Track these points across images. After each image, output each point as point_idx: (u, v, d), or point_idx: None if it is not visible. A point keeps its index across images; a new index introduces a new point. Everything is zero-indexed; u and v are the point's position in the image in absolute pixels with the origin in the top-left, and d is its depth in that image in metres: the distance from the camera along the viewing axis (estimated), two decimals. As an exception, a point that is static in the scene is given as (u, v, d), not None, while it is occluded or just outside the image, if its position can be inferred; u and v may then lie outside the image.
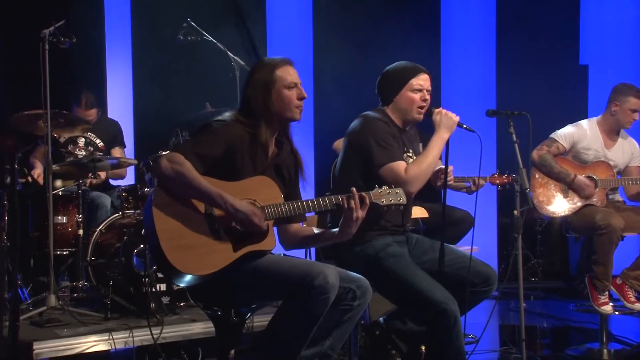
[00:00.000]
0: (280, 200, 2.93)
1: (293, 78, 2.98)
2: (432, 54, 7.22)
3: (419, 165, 3.31)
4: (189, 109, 5.80)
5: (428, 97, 3.46)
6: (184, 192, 2.74)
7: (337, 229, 2.96)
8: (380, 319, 3.57)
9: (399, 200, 3.00)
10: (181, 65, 6.41)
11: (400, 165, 3.30)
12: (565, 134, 4.83)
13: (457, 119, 3.42)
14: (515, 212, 3.65)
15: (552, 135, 4.86)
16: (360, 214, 2.89)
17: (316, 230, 3.11)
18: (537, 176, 4.80)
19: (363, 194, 2.91)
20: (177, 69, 6.43)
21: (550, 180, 4.76)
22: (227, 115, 2.98)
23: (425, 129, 3.96)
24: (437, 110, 3.45)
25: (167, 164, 2.72)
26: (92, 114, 5.43)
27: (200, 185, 2.73)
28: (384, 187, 3.00)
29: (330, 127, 6.32)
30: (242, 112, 2.98)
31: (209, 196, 2.74)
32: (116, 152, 5.65)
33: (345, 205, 2.88)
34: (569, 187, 4.73)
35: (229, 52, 5.47)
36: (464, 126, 3.45)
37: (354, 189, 2.90)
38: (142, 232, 4.50)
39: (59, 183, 5.01)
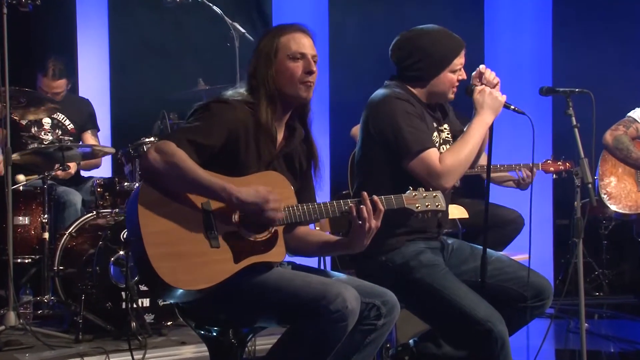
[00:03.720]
0: (293, 201, 2.93)
1: (299, 47, 2.96)
2: (474, 19, 7.18)
3: (456, 155, 3.29)
4: (178, 86, 5.81)
5: (465, 75, 3.46)
6: (179, 187, 2.75)
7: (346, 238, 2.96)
8: (411, 341, 3.56)
9: (437, 207, 2.99)
10: (168, 33, 6.42)
11: (432, 154, 3.28)
12: None
13: (503, 98, 3.40)
14: (575, 204, 3.61)
15: (631, 114, 4.82)
16: (374, 223, 2.87)
17: (325, 236, 3.10)
18: (607, 162, 4.77)
19: (375, 198, 2.88)
20: (164, 38, 6.43)
21: (624, 168, 4.73)
22: (229, 93, 2.98)
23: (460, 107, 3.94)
24: (479, 88, 3.42)
25: (156, 155, 2.72)
26: (61, 85, 5.45)
27: (199, 176, 2.73)
28: (420, 190, 2.99)
29: (348, 110, 6.29)
30: (247, 89, 2.98)
31: (211, 189, 2.74)
32: (88, 137, 5.66)
33: (354, 214, 2.86)
34: None
35: (225, 17, 5.47)
36: (512, 107, 3.43)
37: (364, 193, 2.88)
38: (122, 236, 4.52)
39: (21, 177, 5.02)
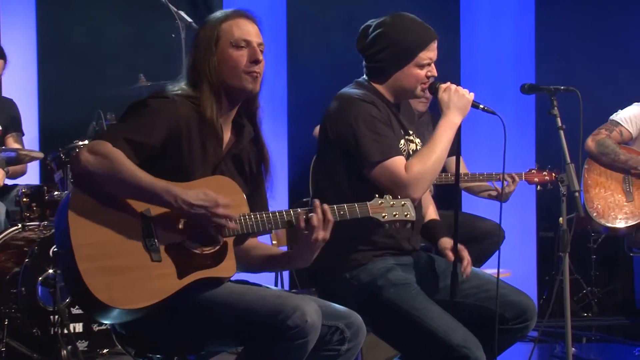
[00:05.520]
0: (245, 209, 2.92)
1: (243, 34, 2.96)
2: (449, 11, 7.23)
3: (424, 161, 3.31)
4: (116, 83, 5.78)
5: (435, 71, 3.46)
6: (116, 191, 2.73)
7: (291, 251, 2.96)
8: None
9: (406, 216, 3.00)
10: (106, 23, 6.38)
11: (397, 162, 3.30)
12: (631, 115, 4.86)
13: (471, 97, 3.42)
14: (560, 220, 3.65)
15: (613, 117, 4.88)
16: (322, 234, 2.87)
17: (271, 249, 3.12)
18: (592, 171, 4.81)
19: (326, 207, 2.88)
20: (100, 28, 6.39)
21: (611, 178, 4.77)
22: (169, 88, 2.97)
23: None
24: (444, 85, 3.43)
25: (89, 156, 2.71)
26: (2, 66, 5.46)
27: (139, 178, 2.71)
28: (387, 198, 3.00)
29: (308, 109, 6.32)
30: (188, 83, 2.98)
31: (153, 192, 2.72)
32: (11, 142, 5.61)
33: (302, 224, 2.87)
34: None
35: (170, 5, 5.45)
36: (481, 106, 3.45)
37: (317, 200, 2.88)
38: (52, 252, 4.47)
39: None
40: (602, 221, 4.80)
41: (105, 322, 2.82)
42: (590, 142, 4.78)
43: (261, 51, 2.98)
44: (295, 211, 2.89)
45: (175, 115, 2.86)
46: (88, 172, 2.71)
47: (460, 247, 3.41)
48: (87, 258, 2.65)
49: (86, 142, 4.82)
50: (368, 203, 2.97)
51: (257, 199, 3.07)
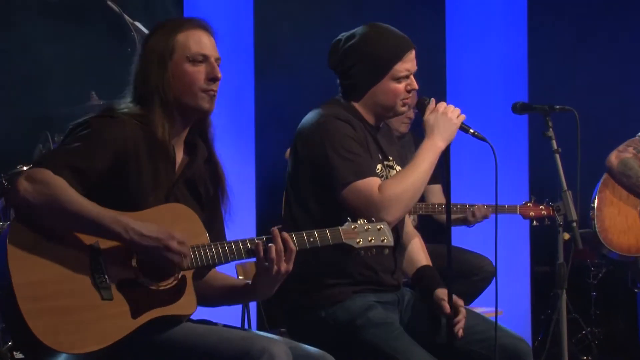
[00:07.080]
0: (204, 239, 2.91)
1: (200, 48, 2.96)
2: (433, 25, 7.24)
3: (400, 183, 3.31)
4: (66, 100, 5.75)
5: (416, 84, 3.47)
6: (59, 223, 2.72)
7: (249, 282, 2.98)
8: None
9: (383, 241, 3.01)
10: (54, 35, 6.36)
11: (371, 182, 3.31)
12: None
13: (459, 120, 3.42)
14: (562, 238, 3.64)
15: None
16: (284, 267, 2.88)
17: (231, 280, 3.12)
18: (609, 187, 4.81)
19: (286, 235, 2.89)
20: (48, 40, 6.37)
21: (628, 198, 4.78)
22: (114, 106, 2.95)
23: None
24: (431, 106, 3.42)
25: (27, 185, 2.70)
26: None
27: (84, 208, 2.70)
28: (361, 222, 3.01)
29: (280, 129, 6.31)
30: (134, 99, 2.97)
31: (100, 222, 2.70)
32: None
33: (261, 254, 2.87)
34: None
35: (125, 15, 5.44)
36: (471, 131, 3.46)
37: (275, 229, 2.89)
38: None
39: None
40: (609, 243, 4.79)
41: None
42: (613, 159, 4.80)
43: (218, 66, 2.99)
44: (252, 240, 2.90)
45: (122, 137, 2.85)
46: (27, 203, 2.69)
47: (458, 300, 3.41)
48: (30, 298, 2.64)
49: (29, 167, 4.80)
50: (340, 228, 2.98)
51: (214, 224, 3.08)
